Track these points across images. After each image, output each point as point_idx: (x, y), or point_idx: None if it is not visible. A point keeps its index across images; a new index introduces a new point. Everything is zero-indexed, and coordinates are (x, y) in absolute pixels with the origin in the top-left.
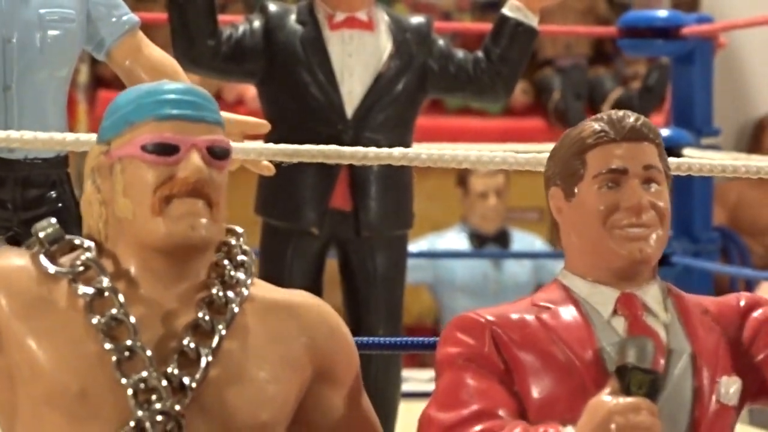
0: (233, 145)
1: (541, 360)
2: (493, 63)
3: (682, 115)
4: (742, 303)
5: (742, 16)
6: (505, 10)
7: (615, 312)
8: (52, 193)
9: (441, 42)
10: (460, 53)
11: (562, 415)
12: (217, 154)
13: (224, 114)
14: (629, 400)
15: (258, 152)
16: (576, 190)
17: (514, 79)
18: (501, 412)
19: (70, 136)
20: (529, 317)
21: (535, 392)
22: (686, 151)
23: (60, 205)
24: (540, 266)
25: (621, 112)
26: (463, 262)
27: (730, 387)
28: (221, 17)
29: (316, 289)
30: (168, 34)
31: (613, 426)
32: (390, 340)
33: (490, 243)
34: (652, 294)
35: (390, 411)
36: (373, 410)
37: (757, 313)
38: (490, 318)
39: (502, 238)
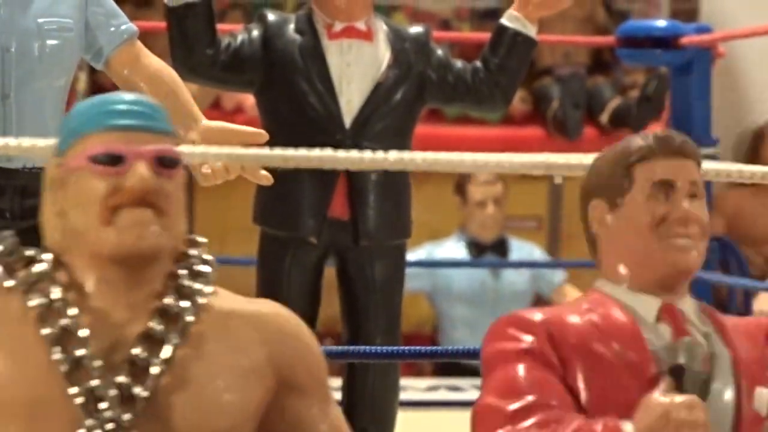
0: (231, 150)
1: (594, 360)
2: (491, 73)
3: (681, 124)
4: (764, 322)
5: (741, 26)
6: (504, 20)
7: (658, 319)
8: None
9: (440, 52)
10: (458, 63)
11: (616, 414)
12: (166, 163)
13: (223, 124)
14: (686, 397)
15: (255, 158)
16: (621, 202)
17: (512, 89)
18: (559, 405)
19: None
20: (581, 318)
21: (589, 391)
22: None
23: None
24: (538, 275)
25: (666, 132)
26: (461, 271)
27: (763, 398)
28: (220, 26)
29: (314, 298)
30: (166, 43)
31: (671, 422)
32: (388, 349)
33: (489, 252)
34: (688, 306)
35: (388, 420)
36: (344, 420)
37: None
38: (543, 317)
39: (500, 247)
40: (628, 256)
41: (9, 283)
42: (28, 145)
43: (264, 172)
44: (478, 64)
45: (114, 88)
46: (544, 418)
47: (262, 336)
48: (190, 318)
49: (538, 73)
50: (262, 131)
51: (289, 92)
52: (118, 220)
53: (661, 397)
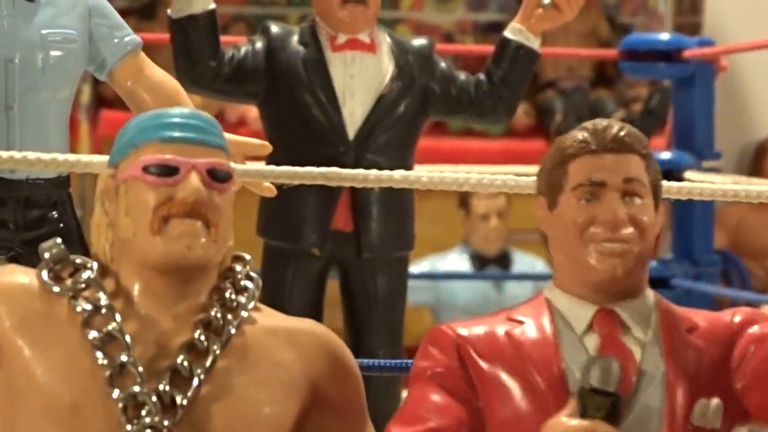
0: (234, 166)
1: (506, 377)
2: (494, 85)
3: (684, 138)
4: (737, 319)
5: (744, 39)
6: (507, 33)
7: (591, 328)
8: (54, 213)
9: (443, 64)
10: (461, 75)
11: None
12: (218, 177)
13: (226, 135)
14: (584, 423)
15: (260, 173)
16: (557, 201)
17: (515, 102)
18: (458, 431)
19: (72, 158)
20: (500, 331)
21: (499, 410)
22: (687, 174)
23: (61, 225)
24: (541, 288)
25: (606, 122)
26: (464, 284)
27: (708, 409)
28: (223, 38)
29: (316, 310)
30: (170, 55)
31: None
32: (391, 362)
33: (492, 264)
34: (633, 310)
35: None
36: None
37: (751, 330)
38: (459, 331)
39: (503, 260)
40: (564, 259)
41: (56, 288)
42: (33, 158)
43: (267, 184)
44: (482, 76)
45: (117, 99)
46: None
47: (301, 353)
48: (232, 331)
49: (541, 86)
50: (266, 143)
51: (292, 104)
52: (167, 230)
53: (562, 420)
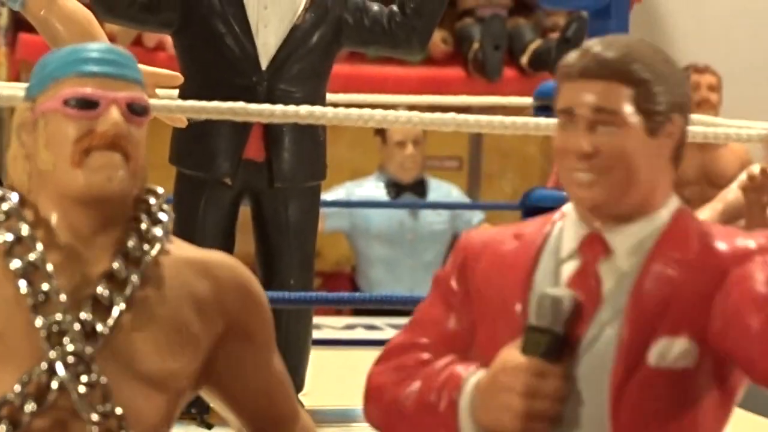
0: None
1: (491, 297)
2: (407, 17)
3: None
4: (740, 247)
5: None
6: None
7: (580, 250)
8: None
9: None
10: (375, 6)
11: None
12: (136, 110)
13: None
14: (515, 361)
15: (167, 109)
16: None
17: (428, 33)
18: (438, 346)
19: None
20: (499, 247)
21: (482, 328)
22: None
23: None
24: (457, 215)
25: (600, 45)
26: (380, 210)
27: (671, 350)
28: None
29: (229, 238)
30: None
31: (496, 384)
32: (302, 295)
33: (407, 192)
34: (627, 235)
35: (301, 359)
36: (285, 370)
37: (739, 268)
38: (472, 242)
39: (419, 187)
40: None
41: None
42: None
43: (179, 115)
44: (395, 7)
45: None
46: (407, 361)
47: (213, 283)
48: (150, 261)
49: (460, 14)
50: (177, 74)
51: (206, 34)
52: (88, 162)
53: (506, 354)
